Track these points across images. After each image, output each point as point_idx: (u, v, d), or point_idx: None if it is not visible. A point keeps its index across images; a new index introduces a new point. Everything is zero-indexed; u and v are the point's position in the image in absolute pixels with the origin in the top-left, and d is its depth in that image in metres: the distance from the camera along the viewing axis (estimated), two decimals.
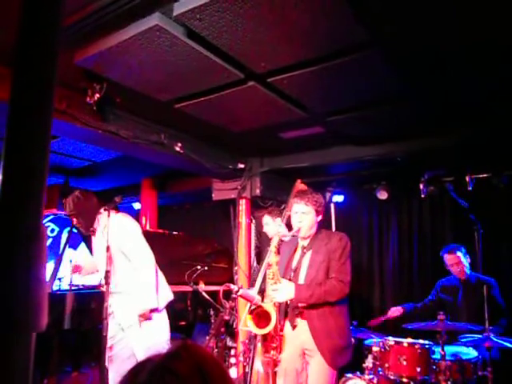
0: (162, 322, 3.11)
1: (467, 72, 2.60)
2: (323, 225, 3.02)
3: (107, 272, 2.87)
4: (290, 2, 1.88)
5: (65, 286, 4.45)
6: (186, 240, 5.44)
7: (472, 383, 3.17)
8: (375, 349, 3.34)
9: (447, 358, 3.11)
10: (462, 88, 2.82)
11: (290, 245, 3.08)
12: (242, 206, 4.67)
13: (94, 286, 4.17)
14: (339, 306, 2.78)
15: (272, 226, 3.95)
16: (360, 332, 3.72)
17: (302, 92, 2.84)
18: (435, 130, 3.57)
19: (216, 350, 3.21)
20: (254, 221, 4.84)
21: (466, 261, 3.88)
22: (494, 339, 3.03)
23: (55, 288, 4.29)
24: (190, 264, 4.22)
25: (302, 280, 2.82)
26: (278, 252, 2.97)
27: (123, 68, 2.53)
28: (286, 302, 2.83)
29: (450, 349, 3.36)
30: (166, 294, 3.19)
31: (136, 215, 5.84)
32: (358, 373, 3.39)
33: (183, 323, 4.55)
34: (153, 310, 3.01)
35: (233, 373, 4.11)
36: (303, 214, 2.84)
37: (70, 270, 3.31)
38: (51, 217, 6.37)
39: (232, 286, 2.70)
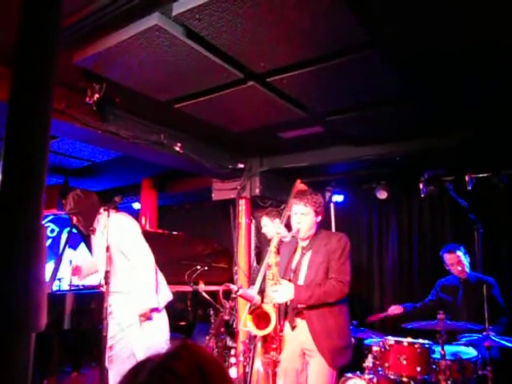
0: (161, 321, 3.10)
1: (468, 73, 2.60)
2: (323, 225, 3.02)
3: (107, 272, 2.86)
4: (290, 1, 1.88)
5: (65, 286, 4.45)
6: (185, 240, 5.44)
7: (472, 382, 3.17)
8: (375, 348, 3.34)
9: (447, 357, 3.11)
10: (463, 89, 2.82)
11: (289, 245, 3.07)
12: (242, 206, 4.67)
13: (94, 286, 4.17)
14: (339, 305, 2.78)
15: (270, 227, 3.95)
16: (360, 332, 3.71)
17: (302, 92, 2.84)
18: (436, 131, 3.57)
19: (216, 350, 3.21)
20: (253, 221, 4.83)
21: (465, 260, 3.88)
22: (494, 338, 3.03)
23: (55, 288, 4.29)
24: (189, 264, 4.22)
25: (301, 280, 2.82)
26: (278, 252, 2.97)
27: (123, 68, 2.53)
28: (286, 303, 2.82)
29: (449, 348, 3.36)
30: (166, 293, 3.19)
31: (136, 215, 5.83)
32: (358, 372, 3.39)
33: (183, 323, 4.55)
34: (153, 310, 3.01)
35: (233, 373, 4.11)
36: (302, 214, 2.83)
37: (69, 271, 3.31)
38: (51, 217, 6.38)
39: (232, 286, 2.70)
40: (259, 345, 3.14)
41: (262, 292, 2.89)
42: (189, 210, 6.86)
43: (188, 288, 4.04)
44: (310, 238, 2.90)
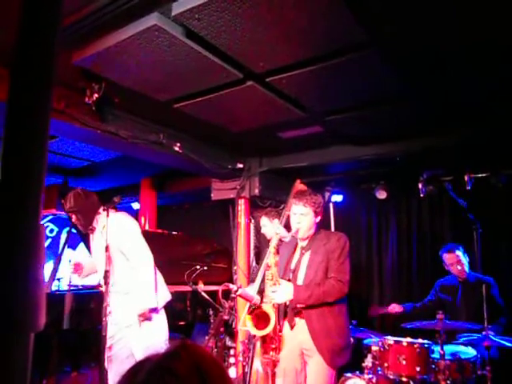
0: (160, 321, 3.10)
1: (467, 72, 2.60)
2: (322, 224, 3.02)
3: (106, 272, 2.86)
4: (289, 1, 1.88)
5: (64, 286, 4.45)
6: (185, 240, 5.44)
7: (471, 382, 3.17)
8: (374, 348, 3.35)
9: (446, 357, 3.11)
10: (462, 88, 2.82)
11: (289, 245, 3.07)
12: (241, 205, 4.67)
13: (93, 285, 4.17)
14: (338, 305, 2.78)
15: (270, 227, 3.95)
16: (359, 331, 3.71)
17: (301, 92, 2.84)
18: (435, 130, 3.58)
19: (215, 350, 3.22)
20: (253, 221, 4.84)
21: (465, 260, 3.89)
22: (493, 338, 3.04)
23: (54, 288, 4.29)
24: (189, 264, 4.21)
25: (300, 280, 2.82)
26: (277, 252, 2.97)
27: (122, 68, 2.53)
28: (285, 303, 2.82)
29: (449, 348, 3.36)
30: (165, 293, 3.19)
31: (135, 215, 5.83)
32: (358, 372, 3.39)
33: (182, 323, 4.55)
34: (152, 310, 3.01)
35: (232, 372, 4.11)
36: (302, 215, 2.83)
37: (70, 269, 3.30)
38: (50, 217, 6.37)
39: (231, 286, 2.70)
40: (258, 345, 3.13)
41: (261, 292, 2.89)
42: (188, 210, 6.86)
43: (187, 288, 4.04)
44: (309, 238, 2.90)
